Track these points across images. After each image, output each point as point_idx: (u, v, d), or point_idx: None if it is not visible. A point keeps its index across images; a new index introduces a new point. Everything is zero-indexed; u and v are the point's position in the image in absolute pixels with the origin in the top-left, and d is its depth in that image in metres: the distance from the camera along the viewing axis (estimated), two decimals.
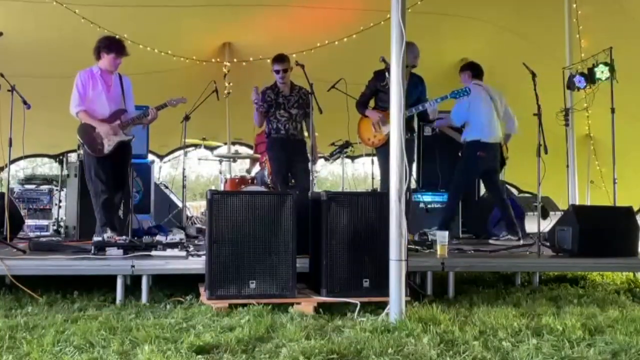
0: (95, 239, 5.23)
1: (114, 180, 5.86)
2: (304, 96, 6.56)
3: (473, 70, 7.01)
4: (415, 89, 6.39)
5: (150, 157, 8.53)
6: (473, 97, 6.60)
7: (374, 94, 6.53)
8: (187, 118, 7.75)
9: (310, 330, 3.80)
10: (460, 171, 6.88)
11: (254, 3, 8.00)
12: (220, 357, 3.29)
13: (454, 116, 6.89)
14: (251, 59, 9.46)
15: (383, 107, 6.28)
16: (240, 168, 11.32)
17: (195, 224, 8.68)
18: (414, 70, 6.45)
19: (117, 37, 6.01)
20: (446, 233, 5.41)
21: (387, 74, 5.93)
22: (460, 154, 7.14)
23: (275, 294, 4.47)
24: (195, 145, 9.39)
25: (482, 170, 6.87)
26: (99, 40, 5.92)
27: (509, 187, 9.54)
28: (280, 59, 6.57)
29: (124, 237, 5.52)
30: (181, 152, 8.47)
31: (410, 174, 5.30)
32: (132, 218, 6.11)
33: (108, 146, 5.76)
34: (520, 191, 10.81)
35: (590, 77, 7.27)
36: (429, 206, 7.54)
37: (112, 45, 5.84)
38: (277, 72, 6.52)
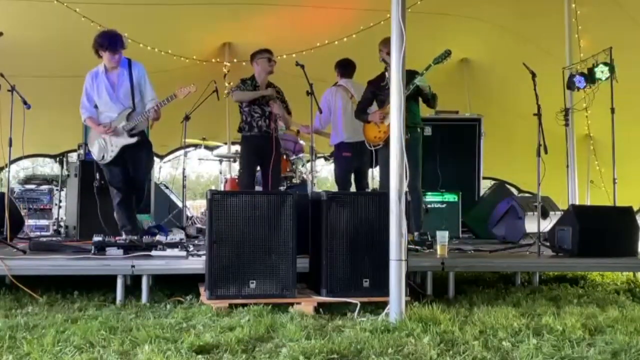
0: (96, 239, 5.23)
1: (125, 183, 5.82)
2: (278, 94, 6.52)
3: (341, 68, 7.11)
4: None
5: None
6: (333, 101, 6.95)
7: (372, 100, 6.38)
8: (187, 118, 7.76)
9: (310, 330, 3.79)
10: (336, 173, 7.24)
11: (254, 3, 8.00)
12: (220, 357, 3.29)
13: (317, 122, 6.97)
14: None
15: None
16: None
17: (195, 224, 8.67)
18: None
19: (110, 31, 5.67)
20: (446, 233, 5.40)
21: (386, 73, 5.96)
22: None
23: (275, 294, 4.46)
24: (196, 145, 9.40)
25: (353, 169, 7.10)
26: (94, 38, 5.63)
27: (509, 186, 9.54)
28: (268, 50, 6.52)
29: (123, 236, 5.52)
30: (181, 152, 8.48)
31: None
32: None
33: (112, 152, 5.72)
34: (520, 191, 10.80)
35: (590, 77, 7.26)
36: (429, 206, 7.52)
37: (104, 43, 5.55)
38: (269, 60, 6.47)
